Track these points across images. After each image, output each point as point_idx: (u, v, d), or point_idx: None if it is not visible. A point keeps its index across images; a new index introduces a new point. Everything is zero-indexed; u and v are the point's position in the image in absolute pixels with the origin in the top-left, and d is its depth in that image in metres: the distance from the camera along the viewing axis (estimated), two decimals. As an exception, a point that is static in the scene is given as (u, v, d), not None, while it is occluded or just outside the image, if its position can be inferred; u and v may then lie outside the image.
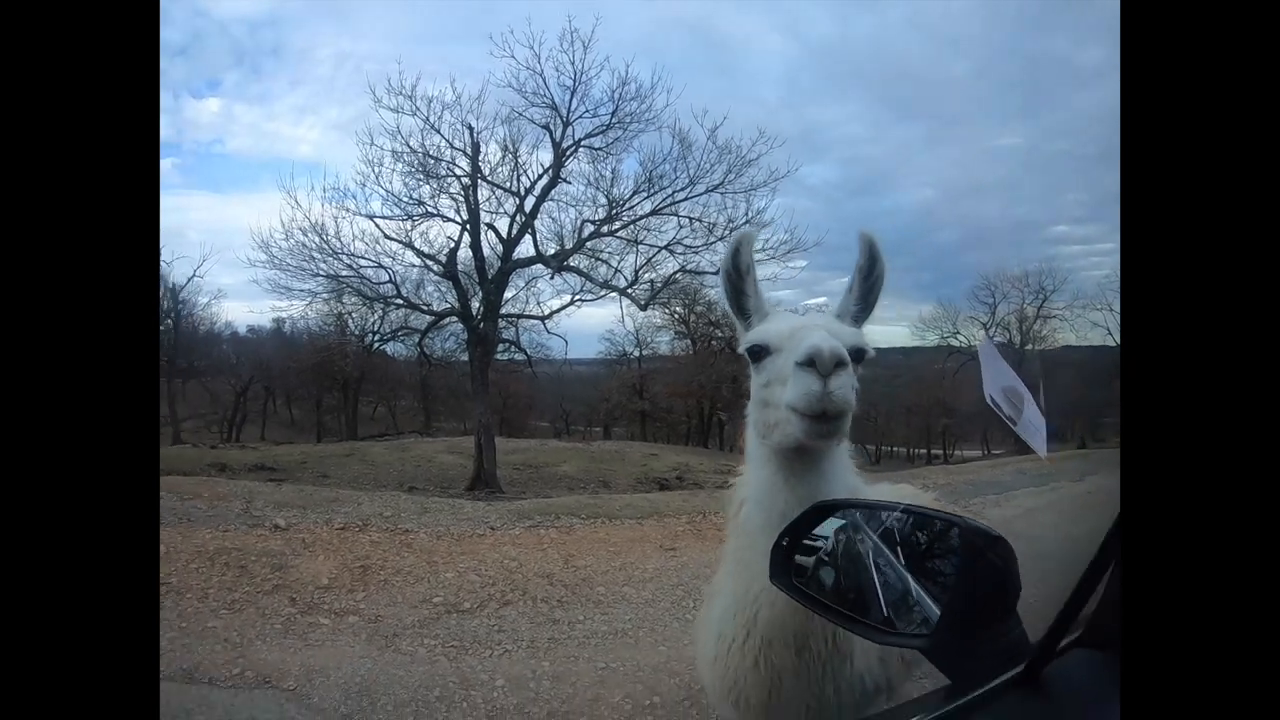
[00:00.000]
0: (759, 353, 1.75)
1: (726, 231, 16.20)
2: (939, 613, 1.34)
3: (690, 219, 16.41)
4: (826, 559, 1.67)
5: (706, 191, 16.14)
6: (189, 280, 28.36)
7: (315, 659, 4.88)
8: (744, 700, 1.90)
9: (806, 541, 1.65)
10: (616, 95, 16.00)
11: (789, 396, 1.56)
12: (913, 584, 1.47)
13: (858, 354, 1.65)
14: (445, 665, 4.91)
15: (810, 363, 1.50)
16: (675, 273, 17.08)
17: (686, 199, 16.31)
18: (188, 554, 6.55)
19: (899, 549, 1.55)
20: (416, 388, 32.58)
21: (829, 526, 1.69)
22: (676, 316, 31.94)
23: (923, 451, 36.09)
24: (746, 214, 16.09)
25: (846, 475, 1.82)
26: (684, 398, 34.48)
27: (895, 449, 36.96)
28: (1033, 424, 8.33)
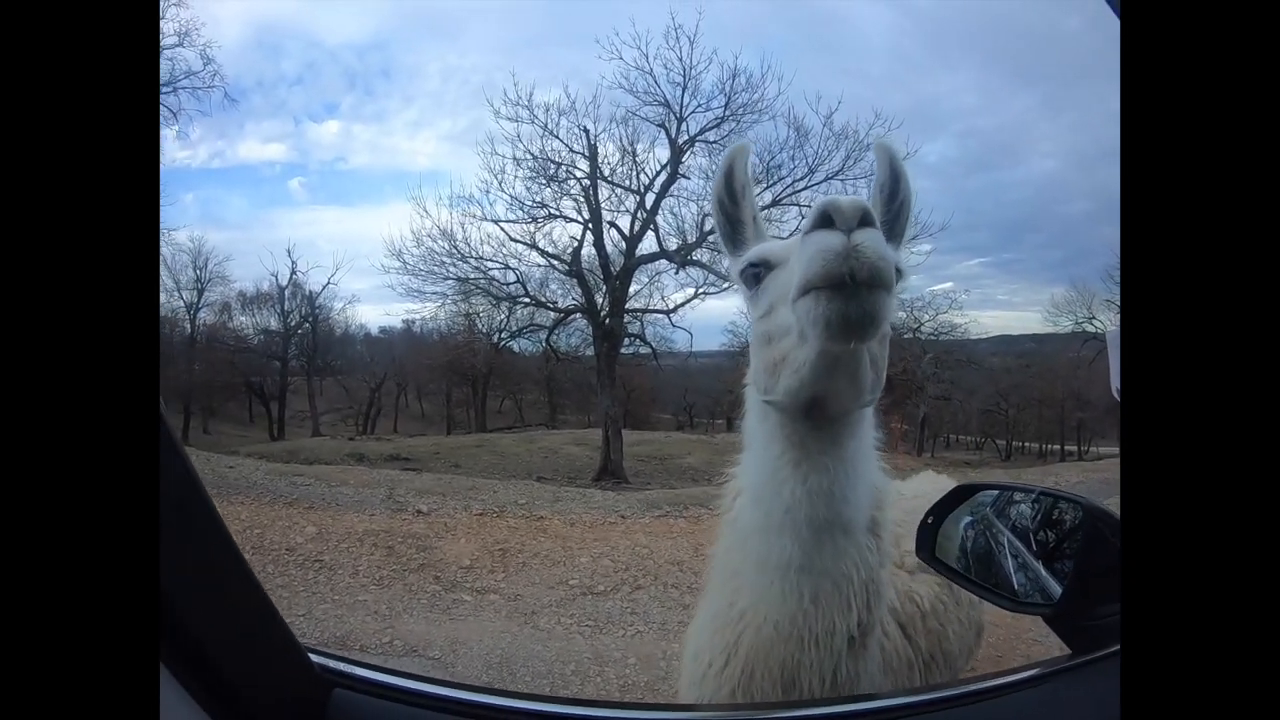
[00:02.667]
0: (758, 272, 1.38)
1: (851, 220, 15.85)
2: (1059, 587, 1.38)
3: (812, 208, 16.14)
4: (964, 535, 1.70)
5: (826, 179, 15.91)
6: (324, 288, 30.30)
7: (459, 632, 5.14)
8: None
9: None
10: (727, 88, 16.02)
11: (800, 274, 1.14)
12: (1037, 559, 1.51)
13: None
14: (580, 642, 5.08)
15: (827, 221, 1.11)
16: (800, 263, 16.84)
17: (807, 188, 16.10)
18: (339, 535, 7.01)
19: (1028, 527, 1.60)
20: (542, 382, 33.36)
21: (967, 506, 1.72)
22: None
23: (1055, 447, 33.73)
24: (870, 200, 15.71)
25: (870, 472, 1.47)
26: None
27: (1026, 444, 34.83)
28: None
